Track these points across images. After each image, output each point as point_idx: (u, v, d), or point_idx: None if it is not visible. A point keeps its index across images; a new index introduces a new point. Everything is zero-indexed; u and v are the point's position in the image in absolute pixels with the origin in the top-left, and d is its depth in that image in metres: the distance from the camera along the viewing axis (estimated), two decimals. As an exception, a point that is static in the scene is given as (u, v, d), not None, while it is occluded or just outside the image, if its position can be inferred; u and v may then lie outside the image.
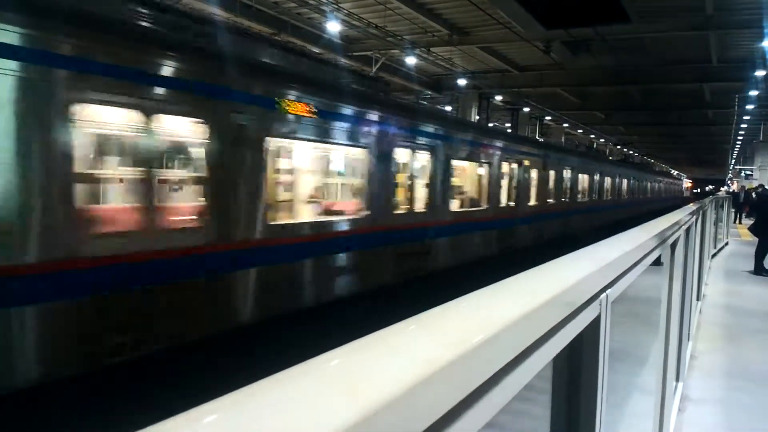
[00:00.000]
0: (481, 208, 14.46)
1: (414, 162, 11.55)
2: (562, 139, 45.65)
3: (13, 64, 5.07)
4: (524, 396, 1.27)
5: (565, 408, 1.63)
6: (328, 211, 10.11)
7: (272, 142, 7.94)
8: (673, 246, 3.77)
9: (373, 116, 10.14)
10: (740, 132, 44.54)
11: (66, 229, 5.51)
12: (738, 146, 54.76)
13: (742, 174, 46.50)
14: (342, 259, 9.43)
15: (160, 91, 6.42)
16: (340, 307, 9.07)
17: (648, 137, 60.15)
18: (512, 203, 15.98)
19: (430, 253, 11.95)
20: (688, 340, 6.58)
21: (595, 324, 1.61)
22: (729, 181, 62.61)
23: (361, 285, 9.73)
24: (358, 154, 10.13)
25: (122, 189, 7.28)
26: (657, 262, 3.19)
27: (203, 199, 7.14)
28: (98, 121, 6.49)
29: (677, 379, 5.32)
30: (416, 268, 11.43)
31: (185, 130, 7.10)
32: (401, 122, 10.96)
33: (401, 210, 11.21)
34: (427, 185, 11.90)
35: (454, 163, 13.15)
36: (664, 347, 3.76)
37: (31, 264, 5.26)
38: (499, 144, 15.43)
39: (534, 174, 17.57)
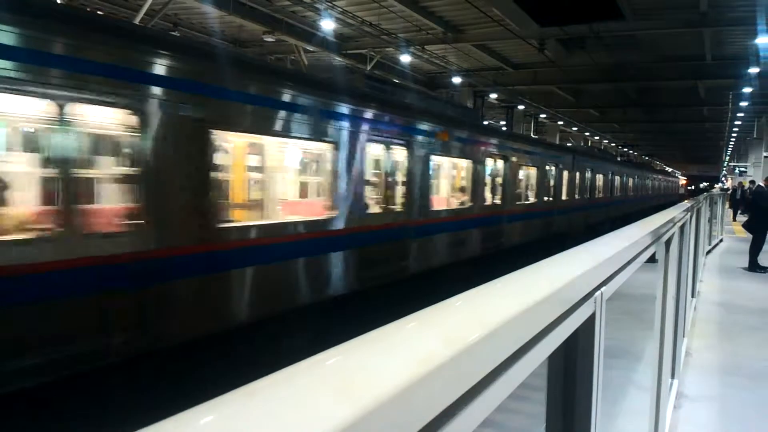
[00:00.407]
0: (542, 201, 18.45)
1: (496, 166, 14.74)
2: (557, 138, 45.74)
3: None
4: (520, 394, 1.27)
5: (561, 405, 1.63)
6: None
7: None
8: (668, 243, 3.78)
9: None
10: (734, 129, 44.69)
11: None
12: (732, 143, 54.92)
13: (736, 171, 46.65)
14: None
15: None
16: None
17: (642, 134, 60.29)
18: (551, 198, 19.27)
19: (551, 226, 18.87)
20: (683, 337, 6.60)
21: (590, 321, 1.61)
22: (723, 178, 62.81)
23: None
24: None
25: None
26: (652, 260, 3.19)
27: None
28: None
29: (672, 376, 5.34)
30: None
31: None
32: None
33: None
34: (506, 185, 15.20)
35: (528, 170, 17.46)
36: (659, 344, 3.76)
37: None
38: (553, 153, 20.13)
39: (565, 175, 20.77)
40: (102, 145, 6.47)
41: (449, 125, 12.46)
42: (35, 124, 5.86)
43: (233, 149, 8.44)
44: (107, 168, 6.55)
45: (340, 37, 22.90)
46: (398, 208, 10.63)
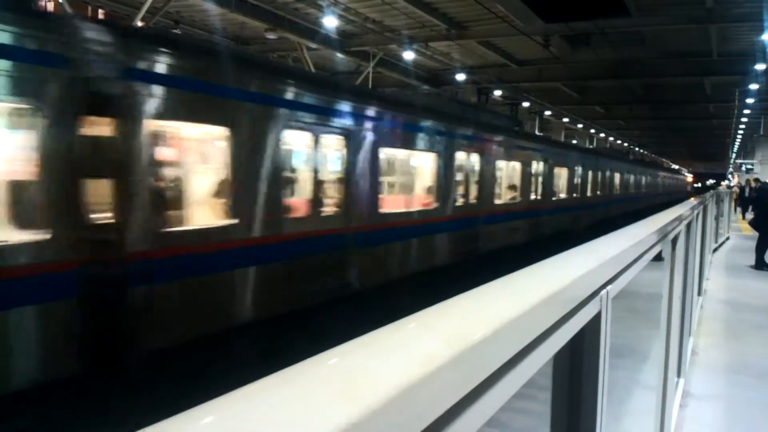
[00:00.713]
0: (577, 196, 22.57)
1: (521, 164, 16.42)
2: (562, 135, 45.65)
3: None
4: (525, 393, 1.26)
5: (566, 405, 1.62)
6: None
7: None
8: (674, 241, 3.76)
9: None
10: (741, 126, 44.50)
11: None
12: (739, 140, 54.71)
13: (743, 168, 46.47)
14: None
15: None
16: None
17: (648, 131, 60.15)
18: (578, 195, 22.73)
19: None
20: (690, 335, 6.57)
21: (595, 320, 1.60)
22: (730, 175, 62.66)
23: None
24: None
25: None
26: (658, 258, 3.17)
27: None
28: None
29: (678, 375, 5.31)
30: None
31: None
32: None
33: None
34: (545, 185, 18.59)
35: (559, 170, 20.38)
36: (665, 343, 3.74)
37: None
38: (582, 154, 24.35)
39: (590, 174, 24.15)
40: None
41: (510, 136, 16.11)
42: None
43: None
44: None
45: (342, 35, 22.84)
46: (513, 197, 16.28)
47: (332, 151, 9.26)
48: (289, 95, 8.22)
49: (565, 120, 45.34)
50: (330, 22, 19.84)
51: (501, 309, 1.00)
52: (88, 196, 5.54)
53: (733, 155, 61.82)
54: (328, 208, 9.01)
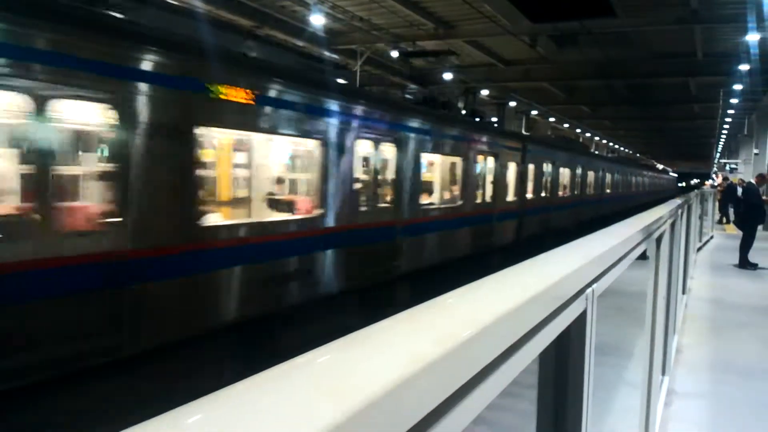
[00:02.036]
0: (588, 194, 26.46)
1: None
2: (549, 134, 45.79)
3: None
4: (511, 392, 1.26)
5: (552, 403, 1.63)
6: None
7: None
8: (659, 240, 3.78)
9: None
10: (725, 126, 44.83)
11: None
12: (723, 140, 55.13)
13: (727, 168, 46.81)
14: None
15: None
16: None
17: (634, 131, 60.50)
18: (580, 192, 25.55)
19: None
20: (674, 333, 6.62)
21: (581, 318, 1.61)
22: (714, 175, 63.13)
23: None
24: None
25: None
26: (643, 257, 3.19)
27: None
28: None
29: (663, 373, 5.35)
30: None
31: None
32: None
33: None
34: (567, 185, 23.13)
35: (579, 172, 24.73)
36: (650, 341, 3.77)
37: None
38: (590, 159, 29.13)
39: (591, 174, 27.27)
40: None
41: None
42: None
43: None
44: None
45: (329, 33, 22.76)
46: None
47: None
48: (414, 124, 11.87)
49: (552, 120, 45.50)
50: (317, 20, 19.78)
51: (487, 307, 1.00)
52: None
53: (718, 155, 62.24)
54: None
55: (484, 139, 15.28)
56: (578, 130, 54.05)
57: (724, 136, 52.29)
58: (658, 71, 27.83)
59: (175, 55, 6.48)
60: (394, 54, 24.32)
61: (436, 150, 12.95)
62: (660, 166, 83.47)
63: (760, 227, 15.09)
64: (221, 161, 9.28)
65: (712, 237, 19.53)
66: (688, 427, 4.98)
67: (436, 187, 13.67)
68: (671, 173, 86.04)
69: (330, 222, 8.93)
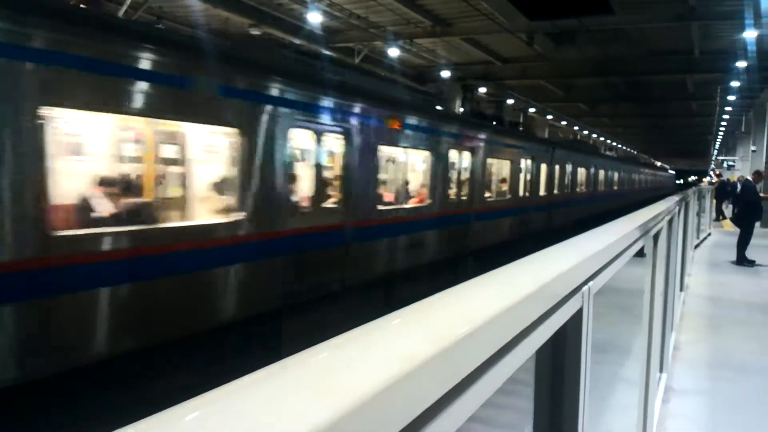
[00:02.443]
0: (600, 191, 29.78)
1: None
2: (546, 132, 45.82)
3: None
4: (508, 389, 1.26)
5: (549, 400, 1.63)
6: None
7: None
8: (656, 237, 3.78)
9: None
10: (722, 123, 44.93)
11: None
12: (720, 137, 55.22)
13: (725, 165, 46.91)
14: None
15: None
16: None
17: (632, 128, 60.56)
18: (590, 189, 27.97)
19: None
20: (672, 330, 6.63)
21: (578, 316, 1.61)
22: (711, 172, 63.21)
23: None
24: None
25: None
26: (640, 254, 3.19)
27: None
28: None
29: (661, 370, 5.36)
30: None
31: None
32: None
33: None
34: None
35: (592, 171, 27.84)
36: (647, 338, 3.77)
37: None
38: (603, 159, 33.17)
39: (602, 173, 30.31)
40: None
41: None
42: None
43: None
44: None
45: (327, 30, 22.75)
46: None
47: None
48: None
49: (549, 117, 45.53)
50: (314, 17, 19.78)
51: (483, 305, 1.00)
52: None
53: (715, 152, 62.36)
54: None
55: (527, 145, 18.62)
56: (576, 128, 54.11)
57: (721, 134, 52.40)
58: (655, 68, 27.88)
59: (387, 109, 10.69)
60: (392, 52, 24.30)
61: (501, 156, 16.56)
62: (659, 164, 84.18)
63: (757, 224, 15.11)
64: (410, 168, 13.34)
65: (709, 234, 19.56)
66: (686, 423, 4.99)
67: (504, 185, 17.13)
68: (669, 171, 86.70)
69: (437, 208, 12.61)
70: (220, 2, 18.58)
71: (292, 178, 8.38)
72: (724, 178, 34.71)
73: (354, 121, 9.51)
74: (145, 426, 0.52)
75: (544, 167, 20.01)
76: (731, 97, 32.50)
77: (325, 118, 8.87)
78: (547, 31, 22.28)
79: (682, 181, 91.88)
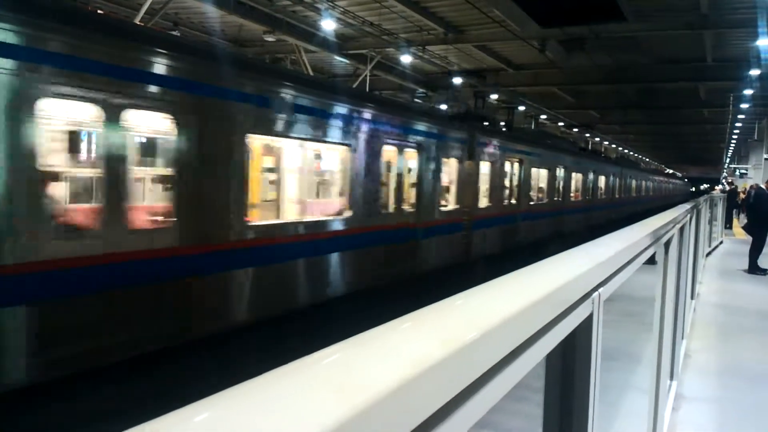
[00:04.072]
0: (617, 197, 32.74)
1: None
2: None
3: None
4: (517, 394, 1.27)
5: (558, 406, 1.63)
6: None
7: None
8: (667, 245, 3.78)
9: None
10: (735, 131, 44.65)
11: None
12: (733, 145, 54.89)
13: (737, 173, 46.62)
14: None
15: None
16: None
17: (643, 136, 60.29)
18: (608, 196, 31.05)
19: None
20: (682, 338, 6.60)
21: (588, 322, 1.61)
22: (723, 180, 62.83)
23: None
24: None
25: None
26: (651, 261, 3.19)
27: None
28: None
29: (671, 378, 5.33)
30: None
31: None
32: None
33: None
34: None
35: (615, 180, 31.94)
36: (658, 346, 3.76)
37: None
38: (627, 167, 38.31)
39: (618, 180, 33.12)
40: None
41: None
42: None
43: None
44: None
45: (340, 37, 22.86)
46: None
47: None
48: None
49: (560, 124, 45.43)
50: (328, 24, 19.87)
51: (493, 309, 1.00)
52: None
53: (727, 160, 61.97)
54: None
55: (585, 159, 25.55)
56: (587, 135, 53.94)
57: (734, 141, 52.07)
58: (667, 76, 27.77)
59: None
60: (404, 58, 24.37)
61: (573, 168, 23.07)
62: (679, 174, 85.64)
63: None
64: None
65: (721, 242, 19.43)
66: (696, 432, 4.97)
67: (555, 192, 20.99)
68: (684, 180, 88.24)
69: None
70: (236, 9, 18.69)
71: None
72: (735, 186, 34.58)
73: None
74: (161, 424, 0.52)
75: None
76: (744, 105, 32.32)
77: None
78: (559, 39, 22.27)
79: (693, 188, 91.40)
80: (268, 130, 7.95)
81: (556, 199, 20.68)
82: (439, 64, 27.93)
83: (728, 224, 26.56)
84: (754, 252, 13.70)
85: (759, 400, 5.75)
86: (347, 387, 0.63)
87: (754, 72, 23.32)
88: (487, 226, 14.56)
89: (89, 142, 7.88)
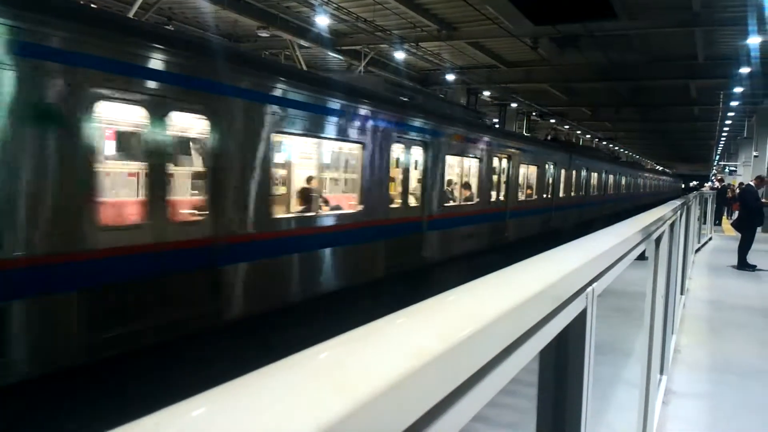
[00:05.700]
0: (609, 193, 32.41)
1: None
2: (548, 136, 45.92)
3: None
4: (511, 389, 1.29)
5: (552, 400, 1.64)
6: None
7: None
8: (658, 241, 3.81)
9: None
10: (725, 128, 44.90)
11: None
12: (722, 142, 55.17)
13: (726, 170, 46.87)
14: None
15: None
16: None
17: (634, 133, 60.50)
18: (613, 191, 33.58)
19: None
20: (672, 333, 6.64)
21: (581, 317, 1.62)
22: (713, 177, 63.10)
23: None
24: None
25: None
26: (642, 257, 3.22)
27: None
28: None
29: (661, 373, 5.38)
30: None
31: None
32: None
33: None
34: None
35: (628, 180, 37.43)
36: (648, 341, 3.80)
37: None
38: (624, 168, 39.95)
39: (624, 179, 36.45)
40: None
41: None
42: None
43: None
44: None
45: (334, 33, 22.81)
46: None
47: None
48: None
49: (552, 121, 45.54)
50: (322, 20, 19.85)
51: (488, 305, 1.00)
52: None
53: (717, 157, 62.28)
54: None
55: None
56: (578, 132, 54.09)
57: (723, 139, 52.36)
58: (658, 74, 27.87)
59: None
60: (398, 55, 24.36)
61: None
62: (670, 171, 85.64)
63: (759, 229, 15.13)
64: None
65: (710, 238, 19.55)
66: (686, 426, 5.01)
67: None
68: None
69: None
70: (230, 4, 18.64)
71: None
72: (726, 183, 34.72)
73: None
74: (157, 419, 0.52)
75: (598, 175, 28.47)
76: (734, 103, 32.50)
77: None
78: (551, 36, 22.30)
79: (683, 185, 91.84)
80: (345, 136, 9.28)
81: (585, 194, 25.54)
82: (432, 61, 27.92)
83: (717, 221, 26.78)
84: (743, 248, 13.80)
85: (747, 394, 5.80)
86: (345, 382, 0.63)
87: (745, 70, 23.45)
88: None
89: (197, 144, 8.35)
